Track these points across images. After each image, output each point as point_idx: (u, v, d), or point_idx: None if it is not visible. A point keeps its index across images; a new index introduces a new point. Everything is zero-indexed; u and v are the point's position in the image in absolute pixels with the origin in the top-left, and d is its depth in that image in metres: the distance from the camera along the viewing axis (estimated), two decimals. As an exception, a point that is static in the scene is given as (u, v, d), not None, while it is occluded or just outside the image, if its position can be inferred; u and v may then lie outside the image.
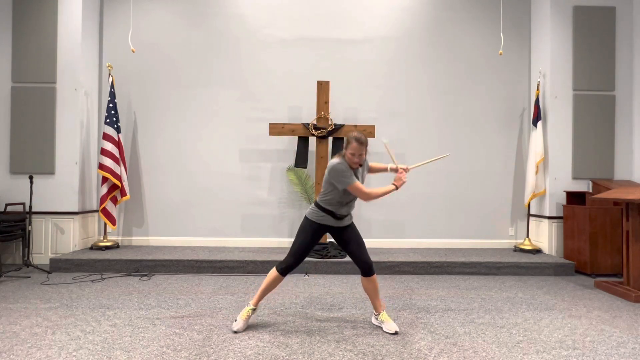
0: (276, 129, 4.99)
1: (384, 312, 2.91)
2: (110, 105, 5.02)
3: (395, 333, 2.76)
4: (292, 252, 2.84)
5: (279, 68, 5.55)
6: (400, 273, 4.58)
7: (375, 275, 2.87)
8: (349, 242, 2.87)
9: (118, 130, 5.07)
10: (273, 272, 2.87)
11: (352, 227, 2.95)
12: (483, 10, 5.62)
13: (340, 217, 2.85)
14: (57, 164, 4.96)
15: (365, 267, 2.83)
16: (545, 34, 5.28)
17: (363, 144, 2.69)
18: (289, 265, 2.84)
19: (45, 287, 3.85)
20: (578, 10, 5.18)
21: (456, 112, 5.61)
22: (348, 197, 2.81)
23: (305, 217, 2.89)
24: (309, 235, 2.84)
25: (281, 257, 4.64)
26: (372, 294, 2.89)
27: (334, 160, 2.74)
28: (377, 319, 2.91)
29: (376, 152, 5.55)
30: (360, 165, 2.82)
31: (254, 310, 2.87)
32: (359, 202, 5.51)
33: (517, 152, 5.63)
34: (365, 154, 2.77)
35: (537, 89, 5.20)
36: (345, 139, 2.77)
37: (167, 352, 2.44)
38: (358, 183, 2.72)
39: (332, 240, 5.19)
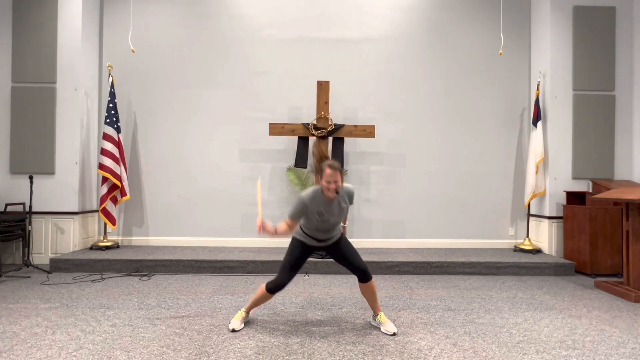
0: (276, 129, 4.98)
1: (382, 313, 2.91)
2: (110, 105, 5.02)
3: (394, 334, 2.76)
4: (280, 272, 2.81)
5: (279, 68, 5.55)
6: (400, 273, 4.58)
7: (372, 280, 2.85)
8: (342, 255, 2.85)
9: (118, 130, 5.07)
10: (262, 288, 2.84)
11: (341, 240, 2.91)
12: (483, 10, 5.62)
13: (322, 240, 2.85)
14: (57, 164, 4.96)
15: (361, 274, 2.82)
16: (545, 34, 5.28)
17: (336, 169, 2.59)
18: (278, 284, 2.78)
19: (45, 287, 3.85)
20: (578, 10, 5.18)
21: (456, 112, 5.61)
22: (324, 224, 2.75)
23: (293, 237, 2.90)
24: (295, 254, 2.83)
25: (281, 257, 4.64)
26: (371, 298, 2.89)
27: (306, 191, 2.70)
28: (375, 319, 2.91)
29: (377, 152, 5.56)
30: (337, 193, 2.70)
31: (247, 313, 2.92)
32: (358, 202, 5.52)
33: (517, 152, 5.63)
34: (342, 181, 2.65)
35: (537, 89, 5.20)
36: (319, 167, 2.65)
37: (167, 352, 2.44)
38: (289, 221, 2.70)
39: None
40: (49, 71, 4.96)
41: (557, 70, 5.19)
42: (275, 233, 2.72)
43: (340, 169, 2.64)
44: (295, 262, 2.81)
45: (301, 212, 2.69)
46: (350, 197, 2.79)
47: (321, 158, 2.74)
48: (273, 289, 2.79)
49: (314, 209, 2.68)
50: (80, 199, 5.05)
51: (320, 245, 2.87)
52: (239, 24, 5.55)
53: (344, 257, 2.85)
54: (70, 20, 4.99)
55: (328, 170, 2.58)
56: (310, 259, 4.56)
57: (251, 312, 3.07)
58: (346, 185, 2.78)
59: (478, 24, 5.62)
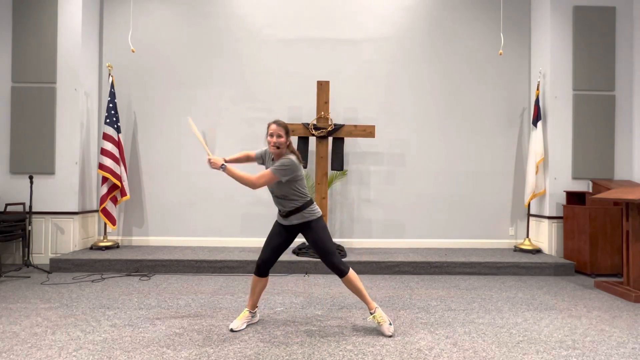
0: (276, 129, 4.97)
1: (378, 311, 2.78)
2: (110, 105, 5.02)
3: (390, 336, 2.72)
4: (262, 250, 2.92)
5: (279, 68, 5.55)
6: (400, 273, 4.58)
7: (350, 275, 2.77)
8: (311, 245, 2.83)
9: (118, 130, 5.07)
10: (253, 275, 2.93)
11: (311, 228, 2.81)
12: (483, 10, 5.62)
13: (282, 215, 2.86)
14: (57, 164, 4.96)
15: (334, 270, 2.78)
16: (545, 34, 5.28)
17: (281, 126, 2.72)
18: (257, 264, 2.88)
19: (45, 287, 3.85)
20: (578, 10, 5.18)
21: (456, 112, 5.61)
22: (277, 190, 2.79)
23: None
24: (270, 231, 2.96)
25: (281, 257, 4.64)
26: (356, 293, 2.82)
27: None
28: (372, 316, 2.79)
29: (377, 152, 5.56)
30: (278, 148, 2.73)
31: (251, 312, 2.92)
32: (358, 202, 5.52)
33: (517, 152, 5.63)
34: (286, 140, 2.72)
35: (537, 89, 5.20)
36: (268, 125, 2.79)
37: (167, 352, 2.44)
38: (251, 152, 2.93)
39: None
40: (49, 71, 4.96)
41: (557, 70, 5.19)
42: (226, 160, 2.81)
43: (287, 129, 2.75)
44: (269, 238, 2.91)
45: (261, 155, 2.91)
46: (280, 163, 2.66)
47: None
48: (255, 270, 2.90)
49: (264, 158, 2.89)
50: (80, 199, 5.05)
51: (283, 223, 2.88)
52: (239, 24, 5.55)
53: (314, 248, 2.81)
54: (70, 20, 4.99)
55: (272, 125, 2.73)
56: (310, 259, 4.56)
57: (257, 309, 3.01)
58: (290, 155, 2.73)
59: (478, 24, 5.62)
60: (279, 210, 2.88)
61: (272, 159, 2.84)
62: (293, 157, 2.73)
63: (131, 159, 5.49)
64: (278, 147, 2.72)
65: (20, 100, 4.94)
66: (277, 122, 2.74)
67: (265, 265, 2.86)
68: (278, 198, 2.82)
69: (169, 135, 5.51)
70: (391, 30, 5.60)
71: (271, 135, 2.71)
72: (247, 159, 2.95)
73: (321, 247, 2.78)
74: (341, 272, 2.78)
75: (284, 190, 2.77)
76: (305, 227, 2.83)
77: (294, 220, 2.82)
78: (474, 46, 5.62)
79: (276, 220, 2.97)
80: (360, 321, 3.03)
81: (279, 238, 2.89)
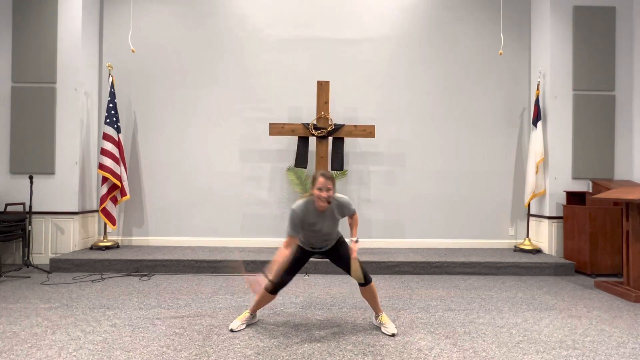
0: (276, 129, 4.98)
1: (384, 313, 2.90)
2: (110, 105, 5.02)
3: (393, 335, 2.75)
4: (279, 272, 2.80)
5: (279, 68, 5.55)
6: (400, 273, 4.58)
7: (372, 283, 2.85)
8: (340, 258, 2.88)
9: (118, 130, 5.07)
10: (262, 289, 2.82)
11: (339, 243, 2.90)
12: (483, 10, 5.62)
13: (317, 248, 2.86)
14: (57, 164, 4.96)
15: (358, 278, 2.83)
16: (545, 34, 5.28)
17: (329, 178, 2.62)
18: (276, 285, 2.82)
19: (45, 287, 3.85)
20: (578, 10, 5.18)
21: (456, 112, 5.61)
22: (316, 234, 2.76)
23: None
24: (294, 256, 2.87)
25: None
26: (371, 301, 2.89)
27: (296, 203, 2.70)
28: (377, 320, 2.91)
29: (377, 152, 5.56)
30: (329, 203, 2.66)
31: (252, 315, 2.92)
32: (358, 202, 5.52)
33: (517, 152, 5.63)
34: (334, 191, 2.65)
35: (537, 89, 5.20)
36: (313, 177, 2.67)
37: (167, 352, 2.44)
38: (289, 238, 2.66)
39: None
40: (49, 71, 4.96)
41: (557, 70, 5.19)
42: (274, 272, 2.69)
43: (333, 179, 2.65)
44: (293, 263, 2.85)
45: (299, 225, 2.68)
46: (341, 209, 2.73)
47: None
48: (272, 290, 2.82)
49: (306, 220, 2.69)
50: (80, 199, 5.05)
51: (316, 251, 2.90)
52: (239, 24, 5.55)
53: (342, 261, 2.87)
54: (70, 21, 4.99)
55: (321, 179, 2.61)
56: (310, 259, 4.56)
57: (257, 313, 3.05)
58: (340, 196, 2.75)
59: (478, 24, 5.62)
60: (314, 246, 2.84)
61: (316, 210, 2.69)
62: (342, 195, 2.77)
63: (131, 159, 5.49)
64: (329, 201, 2.64)
65: (20, 100, 4.94)
66: (324, 175, 2.61)
67: (281, 286, 2.85)
68: (324, 235, 2.77)
69: (169, 135, 5.51)
70: (391, 30, 5.60)
71: (320, 189, 2.59)
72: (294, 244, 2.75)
73: (348, 258, 2.84)
74: (366, 280, 2.81)
75: (333, 226, 2.77)
76: (336, 243, 2.89)
77: (329, 245, 2.88)
78: (474, 46, 5.62)
79: (300, 247, 2.89)
80: (361, 321, 3.03)
81: (301, 263, 2.90)
